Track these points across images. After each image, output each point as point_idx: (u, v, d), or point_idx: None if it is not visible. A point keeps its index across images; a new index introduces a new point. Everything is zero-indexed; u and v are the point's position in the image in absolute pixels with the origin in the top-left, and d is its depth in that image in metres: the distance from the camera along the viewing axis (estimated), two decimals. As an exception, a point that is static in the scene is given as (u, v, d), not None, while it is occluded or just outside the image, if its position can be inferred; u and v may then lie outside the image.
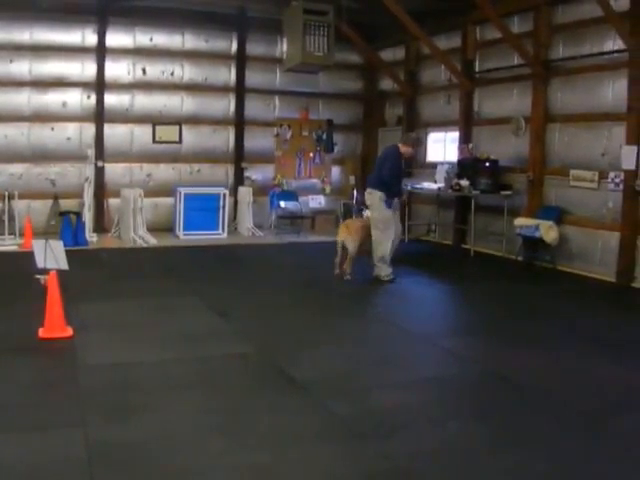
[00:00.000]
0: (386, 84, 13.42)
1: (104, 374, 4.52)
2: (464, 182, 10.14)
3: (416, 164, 12.38)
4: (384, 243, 7.84)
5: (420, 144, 7.93)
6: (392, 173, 7.77)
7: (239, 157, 12.67)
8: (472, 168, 10.20)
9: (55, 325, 5.28)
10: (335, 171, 13.62)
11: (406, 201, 7.67)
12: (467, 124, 11.05)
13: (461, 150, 10.94)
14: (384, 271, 7.90)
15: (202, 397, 4.18)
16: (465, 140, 10.99)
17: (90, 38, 11.40)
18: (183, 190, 11.39)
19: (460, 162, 10.70)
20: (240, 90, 12.54)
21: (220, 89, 12.44)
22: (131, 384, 4.36)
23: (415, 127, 12.46)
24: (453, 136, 11.57)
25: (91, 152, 10.92)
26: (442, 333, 5.96)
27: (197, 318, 6.15)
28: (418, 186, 11.06)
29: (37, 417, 3.79)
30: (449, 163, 11.09)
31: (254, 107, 12.71)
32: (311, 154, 13.29)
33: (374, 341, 5.63)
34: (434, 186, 10.89)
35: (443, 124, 11.80)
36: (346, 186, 13.48)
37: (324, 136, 13.28)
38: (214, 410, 3.98)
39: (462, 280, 8.54)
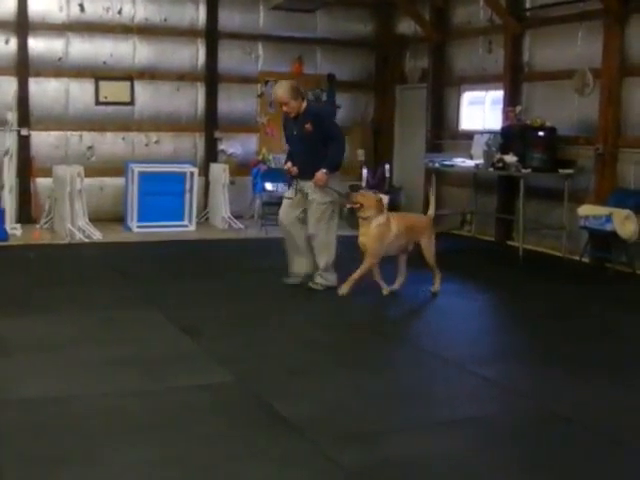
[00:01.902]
0: (406, 27, 13.40)
1: (28, 412, 4.48)
2: (510, 158, 10.11)
3: (445, 133, 12.33)
4: None
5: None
6: None
7: (211, 124, 12.67)
8: (521, 139, 10.20)
9: (-36, 346, 5.26)
10: (338, 143, 13.58)
11: (292, 171, 7.65)
12: (514, 80, 11.05)
13: (506, 115, 10.93)
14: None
15: (159, 444, 4.13)
16: (512, 101, 10.97)
17: (9, -37, 11.38)
18: (137, 168, 11.37)
19: (505, 131, 10.69)
20: (212, 35, 12.54)
21: (185, 33, 12.45)
22: (64, 426, 4.32)
23: (444, 84, 12.44)
24: (495, 96, 11.59)
25: (12, 116, 10.88)
26: (482, 358, 5.94)
27: (156, 337, 6.14)
28: (448, 163, 11.04)
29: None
30: (490, 132, 11.08)
31: (231, 57, 12.73)
32: (307, 120, 13.27)
33: (392, 368, 5.61)
34: (469, 163, 10.89)
35: (482, 80, 11.80)
36: (353, 162, 13.42)
37: (324, 96, 13.28)
38: (175, 462, 3.92)
39: (507, 288, 8.55)
